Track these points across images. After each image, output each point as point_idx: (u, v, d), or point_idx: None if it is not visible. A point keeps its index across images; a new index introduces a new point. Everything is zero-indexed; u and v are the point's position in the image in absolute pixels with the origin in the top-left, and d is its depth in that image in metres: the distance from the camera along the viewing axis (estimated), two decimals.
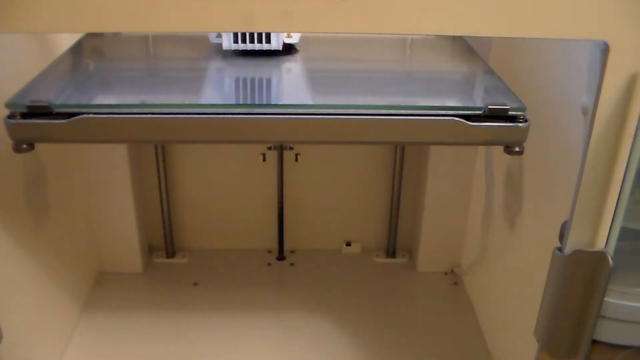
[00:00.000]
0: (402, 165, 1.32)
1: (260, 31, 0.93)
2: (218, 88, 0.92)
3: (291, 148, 1.30)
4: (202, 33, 1.09)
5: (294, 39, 1.01)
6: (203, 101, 0.84)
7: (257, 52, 0.99)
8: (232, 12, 0.61)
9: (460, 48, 1.09)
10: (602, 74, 0.63)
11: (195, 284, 1.32)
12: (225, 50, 0.99)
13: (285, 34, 0.99)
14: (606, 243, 0.71)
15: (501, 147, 0.80)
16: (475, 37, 1.09)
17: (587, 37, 0.64)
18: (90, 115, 0.76)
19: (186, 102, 0.81)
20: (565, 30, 0.63)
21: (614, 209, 0.69)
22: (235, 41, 0.97)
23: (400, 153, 1.30)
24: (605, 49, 0.62)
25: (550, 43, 0.88)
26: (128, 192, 1.26)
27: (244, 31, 0.94)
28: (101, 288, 1.30)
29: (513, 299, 1.05)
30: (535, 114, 0.82)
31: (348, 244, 1.43)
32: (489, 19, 0.62)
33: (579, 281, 0.72)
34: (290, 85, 0.93)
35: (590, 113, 0.66)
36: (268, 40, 0.97)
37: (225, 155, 1.33)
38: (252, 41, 0.97)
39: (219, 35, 0.99)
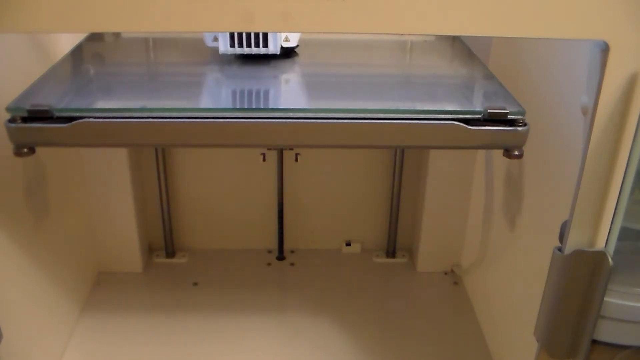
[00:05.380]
0: (402, 165, 1.32)
1: (260, 31, 0.93)
2: (218, 92, 0.91)
3: (291, 148, 1.29)
4: (201, 36, 1.09)
5: (291, 42, 1.00)
6: (203, 105, 0.84)
7: (256, 56, 0.99)
8: (232, 12, 0.61)
9: (460, 51, 1.08)
10: (602, 74, 0.63)
11: (195, 284, 1.32)
12: (224, 54, 0.98)
13: (283, 38, 0.98)
14: (606, 243, 0.71)
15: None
16: (475, 40, 1.09)
17: (587, 37, 0.64)
18: (91, 120, 0.76)
19: (186, 107, 0.81)
20: (565, 30, 0.63)
21: (614, 209, 0.69)
22: (232, 45, 0.95)
23: (400, 153, 1.30)
24: (605, 49, 0.62)
25: (550, 45, 0.88)
26: (128, 192, 1.26)
27: (243, 31, 0.94)
28: (101, 288, 1.30)
29: (513, 299, 1.05)
30: (535, 115, 0.82)
31: (348, 244, 1.43)
32: (489, 19, 0.62)
33: (579, 281, 0.72)
34: (290, 89, 0.93)
35: (590, 113, 0.66)
36: (265, 44, 0.96)
37: (225, 155, 1.33)
38: (248, 45, 0.96)
39: (215, 39, 0.99)
